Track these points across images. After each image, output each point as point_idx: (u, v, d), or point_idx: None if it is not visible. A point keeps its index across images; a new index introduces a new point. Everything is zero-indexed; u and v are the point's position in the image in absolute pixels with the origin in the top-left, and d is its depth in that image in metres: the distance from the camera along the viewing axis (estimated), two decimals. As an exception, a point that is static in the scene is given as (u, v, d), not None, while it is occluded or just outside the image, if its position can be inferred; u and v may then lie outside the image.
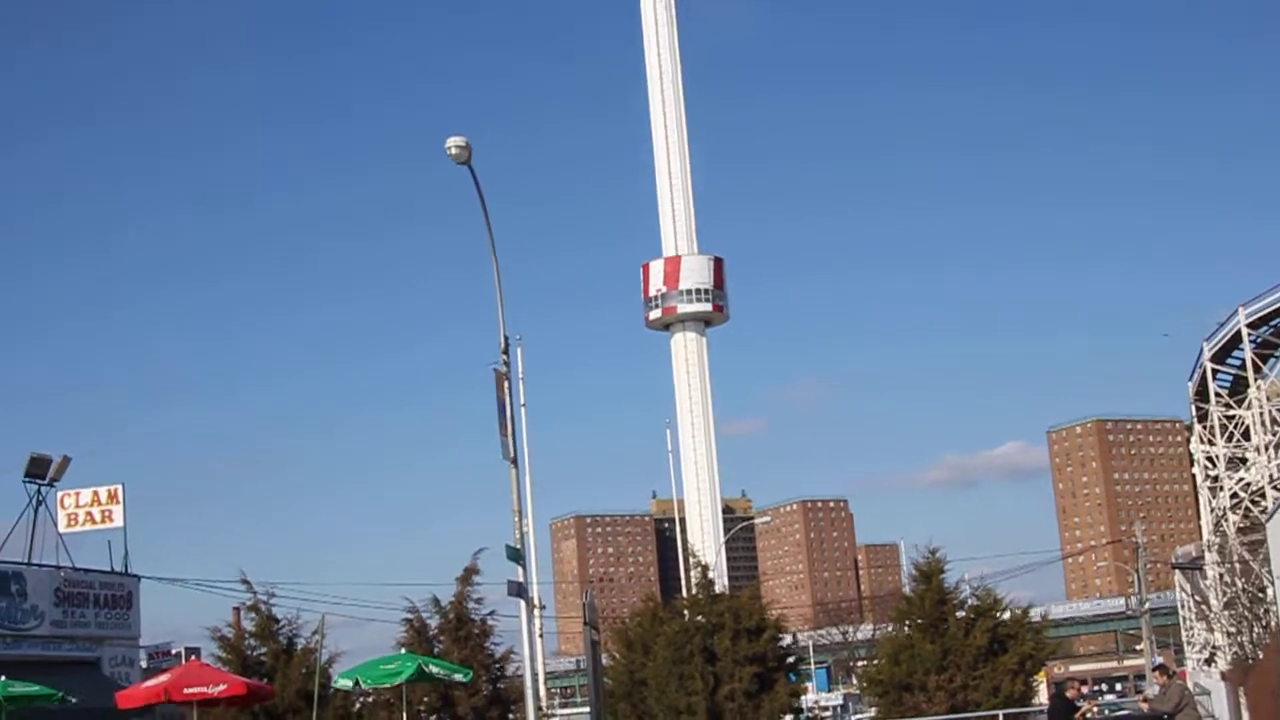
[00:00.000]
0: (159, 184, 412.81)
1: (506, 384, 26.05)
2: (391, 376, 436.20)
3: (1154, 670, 28.14)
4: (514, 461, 25.90)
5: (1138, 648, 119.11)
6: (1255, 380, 71.50)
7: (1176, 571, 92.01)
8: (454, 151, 24.07)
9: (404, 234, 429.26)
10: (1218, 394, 74.78)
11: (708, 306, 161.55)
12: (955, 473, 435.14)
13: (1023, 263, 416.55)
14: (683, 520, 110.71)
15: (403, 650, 32.49)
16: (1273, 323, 70.68)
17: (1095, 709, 30.05)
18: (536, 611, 38.10)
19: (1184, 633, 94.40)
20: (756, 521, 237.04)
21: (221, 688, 27.02)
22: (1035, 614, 42.81)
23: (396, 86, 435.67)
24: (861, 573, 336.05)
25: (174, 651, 55.24)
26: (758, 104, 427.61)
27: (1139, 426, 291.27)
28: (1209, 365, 74.49)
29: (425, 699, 37.33)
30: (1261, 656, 45.31)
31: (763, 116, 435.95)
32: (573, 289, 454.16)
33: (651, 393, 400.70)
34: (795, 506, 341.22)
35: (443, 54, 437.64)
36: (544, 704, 45.83)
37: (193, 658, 38.84)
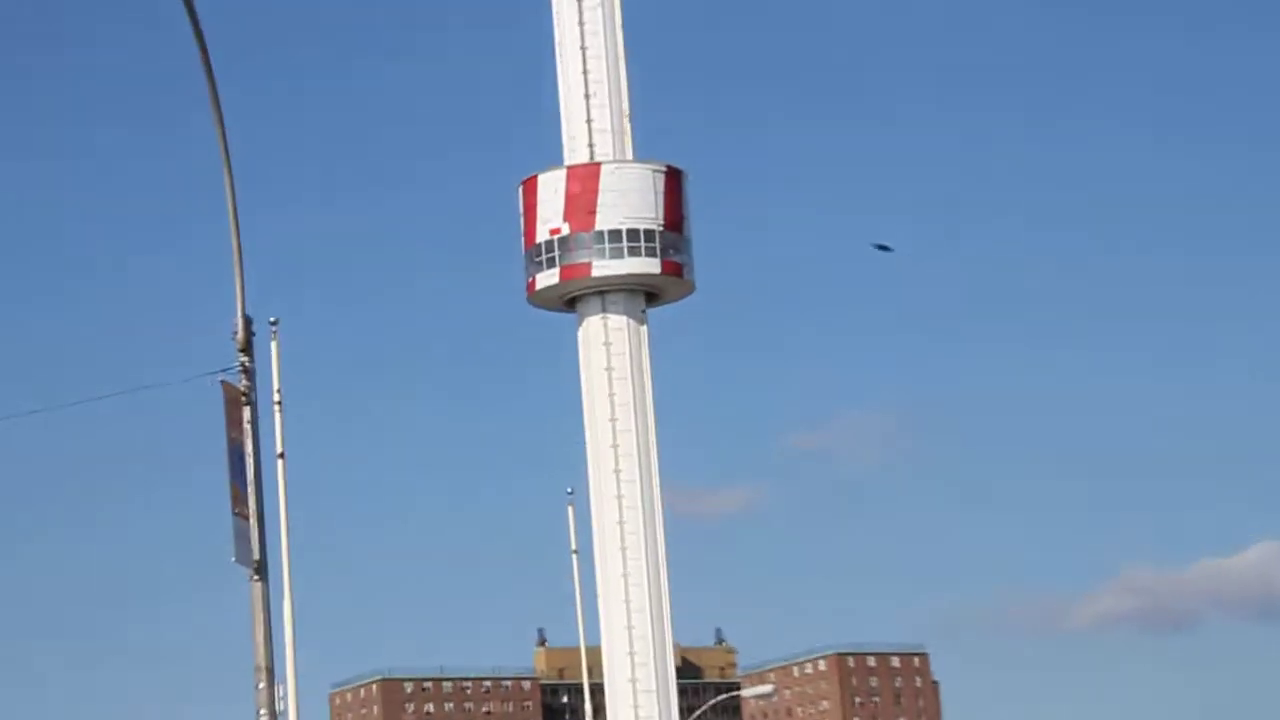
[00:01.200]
0: None
1: (247, 412, 18.65)
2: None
3: None
4: (259, 569, 19.02)
5: None
6: None
7: None
8: None
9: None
10: None
11: (653, 265, 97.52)
12: (1144, 603, 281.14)
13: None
14: (597, 687, 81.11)
15: None
16: None
17: None
18: None
19: None
20: (746, 694, 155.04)
21: None
22: None
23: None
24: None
25: None
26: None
27: None
28: None
29: None
30: None
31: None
32: (387, 235, 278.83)
33: (537, 435, 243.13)
34: (824, 664, 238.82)
35: None
36: None
37: None
